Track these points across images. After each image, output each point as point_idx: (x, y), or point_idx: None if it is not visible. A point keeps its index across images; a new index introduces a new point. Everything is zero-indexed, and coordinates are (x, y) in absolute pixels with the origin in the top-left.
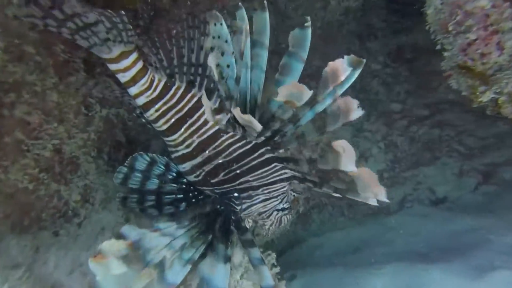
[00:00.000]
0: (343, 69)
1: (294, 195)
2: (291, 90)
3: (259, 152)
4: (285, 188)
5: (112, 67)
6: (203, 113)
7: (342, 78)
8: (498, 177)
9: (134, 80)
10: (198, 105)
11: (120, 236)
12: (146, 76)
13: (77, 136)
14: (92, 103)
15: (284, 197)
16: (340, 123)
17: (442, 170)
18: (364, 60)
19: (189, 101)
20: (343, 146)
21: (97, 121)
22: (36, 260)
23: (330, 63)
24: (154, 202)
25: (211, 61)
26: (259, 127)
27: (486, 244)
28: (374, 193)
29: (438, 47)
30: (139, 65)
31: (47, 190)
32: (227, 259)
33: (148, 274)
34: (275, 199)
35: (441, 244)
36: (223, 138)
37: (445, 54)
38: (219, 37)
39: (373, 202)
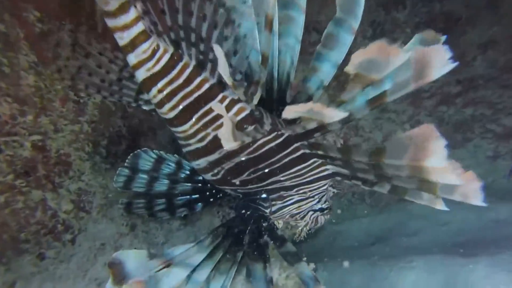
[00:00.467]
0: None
1: (334, 192)
2: (371, 55)
3: (293, 146)
4: (324, 187)
5: (110, 23)
6: (221, 102)
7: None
8: None
9: (133, 44)
10: (212, 93)
11: (119, 273)
12: (148, 42)
13: (66, 128)
14: (83, 87)
15: (323, 196)
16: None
17: (474, 153)
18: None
19: (199, 86)
20: (426, 133)
21: (91, 109)
22: None
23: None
24: (165, 205)
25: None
26: (338, 115)
27: None
28: (464, 195)
29: None
30: (141, 25)
31: (26, 201)
32: (269, 282)
33: None
34: (312, 199)
35: (478, 235)
36: (247, 130)
37: None
38: None
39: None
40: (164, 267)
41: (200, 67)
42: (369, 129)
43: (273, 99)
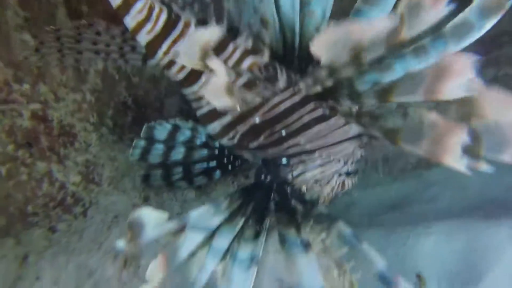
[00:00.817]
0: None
1: (361, 154)
2: None
3: (312, 105)
4: (350, 149)
5: None
6: (230, 56)
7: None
8: None
9: (127, 4)
10: (220, 47)
11: (136, 233)
12: (142, 0)
13: (67, 97)
14: (83, 52)
15: (349, 158)
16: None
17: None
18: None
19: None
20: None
21: (93, 78)
22: (22, 277)
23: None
24: (182, 174)
25: None
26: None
27: None
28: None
29: None
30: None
31: (31, 173)
32: (307, 246)
33: None
34: (337, 162)
35: (499, 197)
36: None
37: None
38: None
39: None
40: (179, 230)
41: (202, 22)
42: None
43: (293, 56)
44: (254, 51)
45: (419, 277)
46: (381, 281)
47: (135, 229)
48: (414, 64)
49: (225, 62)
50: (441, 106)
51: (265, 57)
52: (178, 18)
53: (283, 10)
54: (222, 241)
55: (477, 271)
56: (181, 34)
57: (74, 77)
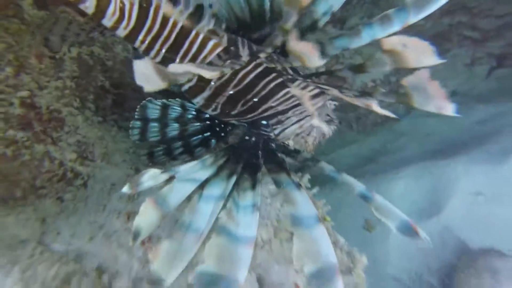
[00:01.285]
0: None
1: (335, 104)
2: None
3: (273, 74)
4: (321, 103)
5: None
6: (195, 39)
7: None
8: None
9: (100, 10)
10: (185, 31)
11: (135, 181)
12: (112, 4)
13: (49, 85)
14: (54, 41)
15: (323, 111)
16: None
17: (453, 62)
18: None
19: (173, 27)
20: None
21: (69, 64)
22: (46, 232)
23: None
24: (183, 148)
25: None
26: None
27: (504, 129)
28: (437, 107)
29: None
30: None
31: (32, 153)
32: (298, 185)
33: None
34: (311, 116)
35: (457, 139)
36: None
37: None
38: None
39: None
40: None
41: (170, 5)
42: (349, 55)
43: (262, 23)
44: (215, 33)
45: (366, 221)
46: (363, 198)
47: (134, 180)
48: (379, 32)
49: (189, 46)
50: (376, 60)
51: (224, 41)
52: (149, 4)
53: None
54: (212, 191)
55: (438, 204)
56: (152, 22)
57: (52, 66)
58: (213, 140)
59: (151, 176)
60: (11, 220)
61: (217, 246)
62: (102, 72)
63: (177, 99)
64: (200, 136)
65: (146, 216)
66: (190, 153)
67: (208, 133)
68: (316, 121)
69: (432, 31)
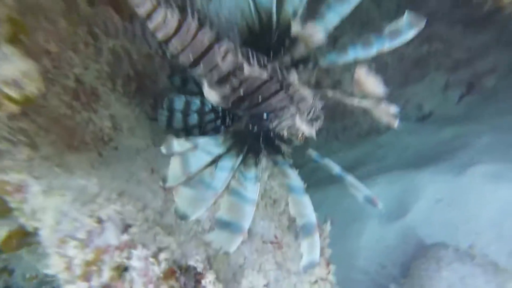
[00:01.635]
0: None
1: (322, 103)
2: None
3: (276, 81)
4: (310, 103)
5: (130, 1)
6: (217, 54)
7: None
8: (480, 87)
9: (148, 15)
10: (210, 46)
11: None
12: (159, 12)
13: (91, 67)
14: (98, 33)
15: (312, 109)
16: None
17: (430, 85)
18: (422, 26)
19: (201, 41)
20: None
21: (106, 53)
22: (96, 173)
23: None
24: (199, 133)
25: None
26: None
27: (467, 146)
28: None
29: None
30: (153, 1)
31: (82, 117)
32: (291, 165)
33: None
34: (302, 113)
35: (428, 153)
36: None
37: None
38: None
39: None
40: (192, 148)
41: (200, 24)
42: (339, 73)
43: (270, 33)
44: (233, 51)
45: (330, 220)
46: (339, 177)
47: (167, 143)
48: (361, 52)
49: (211, 61)
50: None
51: (240, 58)
52: (184, 20)
53: None
54: (225, 163)
55: (406, 207)
56: (185, 34)
57: (94, 52)
58: (222, 127)
59: (178, 144)
60: (73, 160)
61: (229, 201)
62: (129, 63)
63: (197, 96)
64: (213, 124)
65: (173, 170)
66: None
67: (219, 122)
68: (308, 117)
69: (413, 56)
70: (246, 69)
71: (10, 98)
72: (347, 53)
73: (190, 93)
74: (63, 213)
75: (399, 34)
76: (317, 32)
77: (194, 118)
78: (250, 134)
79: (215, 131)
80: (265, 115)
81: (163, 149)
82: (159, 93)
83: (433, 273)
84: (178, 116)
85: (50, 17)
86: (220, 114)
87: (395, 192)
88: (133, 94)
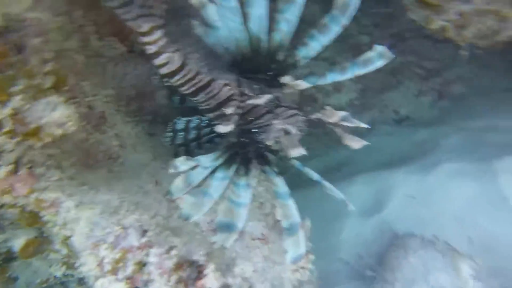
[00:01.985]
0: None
1: (303, 118)
2: None
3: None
4: (294, 119)
5: (142, 39)
6: (215, 87)
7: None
8: (450, 93)
9: (157, 54)
10: (211, 83)
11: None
12: (165, 54)
13: (100, 93)
14: (105, 62)
15: (295, 124)
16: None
17: (405, 92)
18: (392, 57)
19: (201, 79)
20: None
21: (112, 79)
22: (110, 186)
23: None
24: (197, 145)
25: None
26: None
27: (437, 147)
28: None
29: None
30: (161, 43)
31: (94, 138)
32: (277, 173)
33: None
34: (287, 128)
35: (402, 154)
36: (234, 102)
37: None
38: None
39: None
40: (194, 167)
41: (199, 70)
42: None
43: (260, 62)
44: (230, 83)
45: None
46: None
47: (172, 165)
48: (338, 77)
49: (209, 93)
50: None
51: (237, 89)
52: (186, 64)
53: (252, 28)
54: (220, 174)
55: (381, 204)
56: (186, 74)
57: (101, 78)
58: (217, 139)
59: (182, 162)
60: (88, 176)
61: (225, 207)
62: (130, 84)
63: (196, 116)
64: (209, 136)
65: (177, 185)
66: (201, 148)
67: (215, 134)
68: (291, 131)
69: (389, 66)
70: (251, 100)
71: (52, 135)
72: (326, 77)
73: (188, 110)
74: (95, 223)
75: (371, 63)
76: (304, 85)
77: (192, 134)
78: (241, 146)
79: (210, 142)
80: (254, 130)
81: (171, 170)
82: (157, 110)
83: (402, 259)
84: (180, 135)
85: (71, 55)
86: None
87: (372, 190)
88: (134, 113)
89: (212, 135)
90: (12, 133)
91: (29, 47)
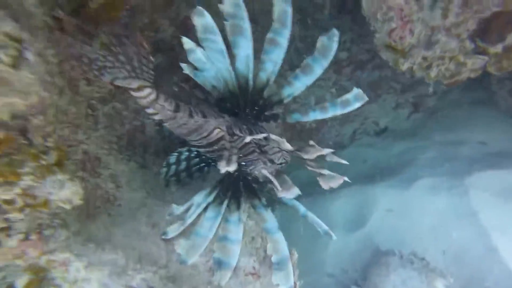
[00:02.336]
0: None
1: (285, 151)
2: None
3: (251, 144)
4: (279, 153)
5: (134, 94)
6: (205, 130)
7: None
8: (424, 106)
9: (147, 104)
10: (199, 125)
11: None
12: (153, 108)
13: (92, 135)
14: (94, 103)
15: (278, 158)
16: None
17: (383, 104)
18: (367, 99)
19: (193, 124)
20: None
21: (102, 118)
22: (111, 235)
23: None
24: (186, 174)
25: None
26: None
27: (414, 161)
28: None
29: (372, 28)
30: (152, 97)
31: (91, 184)
32: (266, 206)
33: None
34: (271, 161)
35: (382, 166)
36: (223, 141)
37: (376, 35)
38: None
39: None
40: (188, 207)
41: (190, 115)
42: (304, 97)
43: (247, 95)
44: (220, 128)
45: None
46: (303, 216)
47: (170, 211)
48: (319, 115)
49: (201, 134)
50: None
51: (225, 131)
52: (177, 111)
53: (239, 68)
54: (211, 213)
55: (364, 217)
56: (180, 119)
57: (93, 121)
58: (206, 168)
59: (177, 208)
60: (94, 228)
61: (220, 245)
62: (119, 122)
63: (186, 148)
64: (198, 166)
65: (173, 228)
66: (190, 177)
67: (204, 164)
68: (277, 161)
69: (368, 80)
70: (247, 138)
71: (61, 208)
72: (308, 115)
73: (177, 140)
74: (105, 285)
75: (348, 105)
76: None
77: (183, 165)
78: (231, 179)
79: (200, 171)
80: (244, 164)
81: (168, 216)
82: (148, 141)
83: (384, 277)
84: (173, 168)
85: (64, 109)
86: (204, 157)
87: (354, 204)
88: (125, 148)
89: (202, 164)
90: (23, 208)
91: (31, 127)
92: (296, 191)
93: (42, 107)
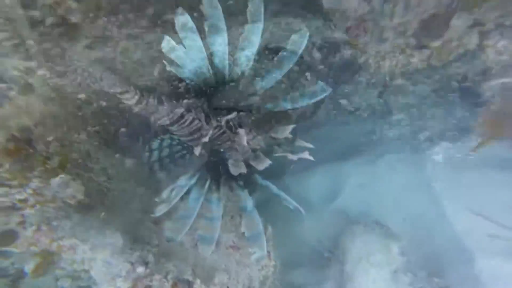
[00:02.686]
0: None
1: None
2: None
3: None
4: (257, 141)
5: (134, 108)
6: (186, 120)
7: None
8: (392, 86)
9: (138, 102)
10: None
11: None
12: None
13: (81, 133)
14: (82, 99)
15: (255, 146)
16: None
17: (356, 85)
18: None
19: (175, 114)
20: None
21: (89, 117)
22: (109, 222)
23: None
24: (169, 161)
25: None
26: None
27: (380, 139)
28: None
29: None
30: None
31: (87, 178)
32: (243, 187)
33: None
34: (249, 149)
35: (354, 143)
36: (202, 131)
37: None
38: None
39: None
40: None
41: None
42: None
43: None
44: (198, 118)
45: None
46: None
47: (159, 197)
48: (289, 105)
49: (182, 124)
50: None
51: (204, 122)
52: (161, 104)
53: (217, 63)
54: (194, 195)
55: (336, 192)
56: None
57: (80, 120)
58: (188, 155)
59: (165, 192)
60: (93, 218)
61: (203, 223)
62: (106, 115)
63: (167, 135)
64: (181, 153)
65: (160, 208)
66: (174, 164)
67: (185, 151)
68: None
69: (340, 62)
70: (241, 135)
71: (66, 202)
72: (280, 105)
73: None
74: (109, 263)
75: (316, 95)
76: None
77: (166, 151)
78: (211, 165)
79: (182, 158)
80: (222, 149)
81: (157, 199)
82: (134, 133)
83: (350, 243)
84: (155, 153)
85: (58, 116)
86: (185, 145)
87: (328, 180)
88: (112, 140)
89: (184, 152)
90: (34, 204)
91: (34, 135)
92: (267, 161)
93: (41, 118)
